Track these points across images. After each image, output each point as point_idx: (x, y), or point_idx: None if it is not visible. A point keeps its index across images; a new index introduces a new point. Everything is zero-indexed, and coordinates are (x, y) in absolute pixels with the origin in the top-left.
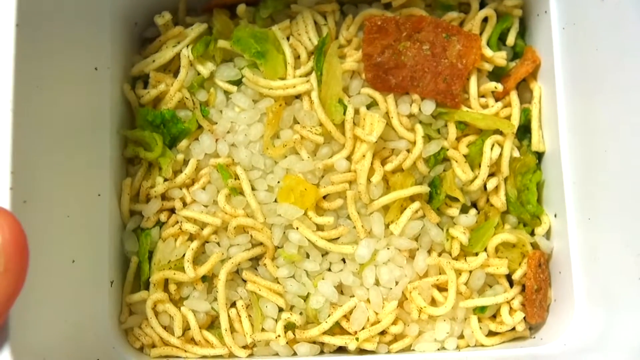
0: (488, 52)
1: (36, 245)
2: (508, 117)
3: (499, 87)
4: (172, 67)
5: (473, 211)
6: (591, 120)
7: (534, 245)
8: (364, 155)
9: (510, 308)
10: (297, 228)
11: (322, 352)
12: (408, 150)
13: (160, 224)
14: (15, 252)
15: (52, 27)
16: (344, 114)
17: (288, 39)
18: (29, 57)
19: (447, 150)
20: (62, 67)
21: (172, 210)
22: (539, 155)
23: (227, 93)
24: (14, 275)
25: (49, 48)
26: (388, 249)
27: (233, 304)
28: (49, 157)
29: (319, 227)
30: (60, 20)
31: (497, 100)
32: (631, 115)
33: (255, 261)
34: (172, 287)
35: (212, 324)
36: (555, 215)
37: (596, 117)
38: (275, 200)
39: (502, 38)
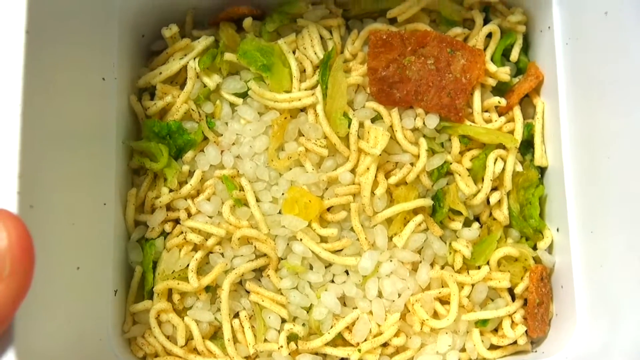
0: (492, 67)
1: (41, 250)
2: (511, 132)
3: (503, 102)
4: (178, 80)
5: (476, 225)
6: (593, 136)
7: (536, 260)
8: (368, 168)
9: (512, 322)
10: (301, 239)
11: None
12: (412, 164)
13: (164, 235)
14: (22, 255)
15: (61, 35)
16: (349, 127)
17: (294, 52)
18: (38, 63)
19: (451, 164)
20: (70, 76)
21: (177, 221)
22: (542, 170)
23: (232, 105)
24: (20, 279)
25: (58, 56)
26: (391, 261)
27: (236, 315)
28: (56, 164)
29: (323, 239)
30: (69, 29)
31: (500, 115)
32: (633, 130)
33: (258, 272)
34: (176, 297)
35: (215, 335)
36: (557, 230)
37: (598, 132)
38: (280, 212)
39: (506, 54)
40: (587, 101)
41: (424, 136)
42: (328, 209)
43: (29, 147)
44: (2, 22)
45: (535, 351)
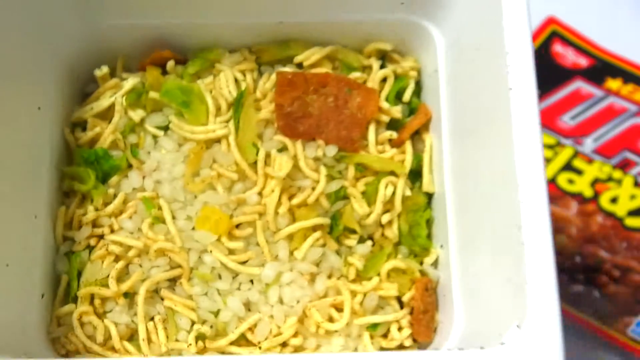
0: (385, 105)
1: None
2: (402, 162)
3: (394, 134)
4: (107, 116)
5: (369, 242)
6: (465, 167)
7: (423, 273)
8: (272, 190)
9: (400, 327)
10: (211, 251)
11: None
12: (313, 188)
13: (90, 248)
14: None
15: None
16: (257, 155)
17: (211, 92)
18: None
19: (347, 188)
20: (6, 102)
21: (101, 237)
22: (430, 196)
23: (155, 137)
24: None
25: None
26: (291, 271)
27: (151, 319)
28: None
29: (231, 252)
30: (12, 64)
31: (394, 147)
32: (488, 162)
33: (173, 282)
34: (97, 302)
35: (131, 337)
36: (441, 246)
37: (468, 164)
38: (193, 228)
39: (400, 96)
40: (460, 135)
41: (324, 164)
42: (237, 226)
43: None
44: None
45: None
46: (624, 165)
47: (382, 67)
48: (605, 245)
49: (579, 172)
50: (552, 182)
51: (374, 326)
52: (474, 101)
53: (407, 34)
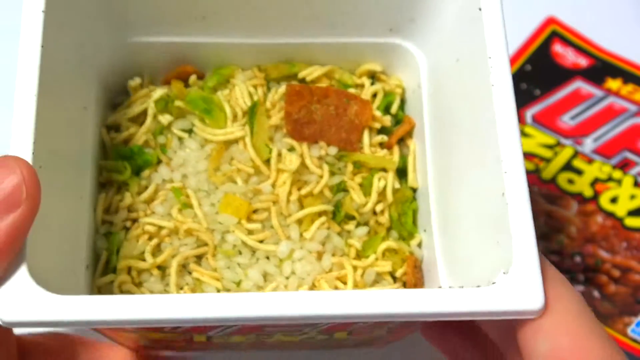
0: (377, 113)
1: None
2: (392, 160)
3: (385, 138)
4: (139, 120)
5: (366, 227)
6: (445, 167)
7: (411, 254)
8: (284, 182)
9: None
10: (233, 231)
11: None
12: (317, 182)
13: (126, 230)
14: (32, 183)
15: (61, 80)
16: (270, 153)
17: (228, 102)
18: (50, 96)
19: (346, 182)
20: (62, 103)
21: (135, 220)
22: (415, 190)
23: (180, 139)
24: (33, 200)
25: (60, 95)
26: (302, 249)
27: (181, 288)
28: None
29: (250, 232)
30: (57, 67)
31: (384, 149)
32: (464, 164)
33: (199, 259)
34: (134, 273)
35: None
36: (425, 231)
37: (448, 164)
38: (217, 213)
39: (388, 109)
40: (441, 140)
41: (327, 162)
42: (254, 212)
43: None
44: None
45: None
46: (624, 165)
47: (372, 84)
48: (605, 245)
49: (579, 172)
50: (552, 182)
51: None
52: (453, 108)
53: (394, 56)
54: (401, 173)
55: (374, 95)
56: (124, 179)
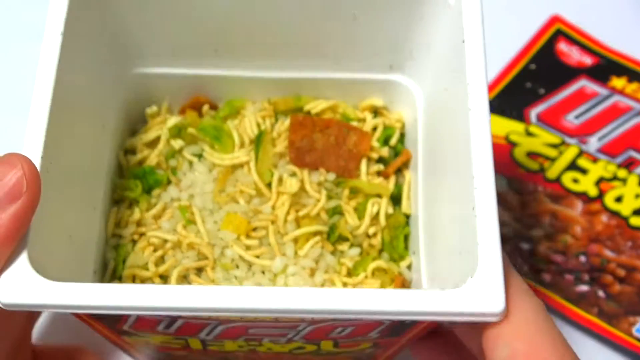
0: (376, 144)
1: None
2: (387, 187)
3: (382, 167)
4: (153, 145)
5: (358, 249)
6: (431, 196)
7: (399, 274)
8: (283, 204)
9: None
10: (232, 246)
11: None
12: (315, 206)
13: (134, 242)
14: (33, 177)
15: (80, 102)
16: (271, 177)
17: (237, 130)
18: (61, 115)
19: (342, 205)
20: (82, 121)
21: (143, 235)
22: (408, 217)
23: (190, 162)
24: (34, 192)
25: (79, 114)
26: (295, 265)
27: None
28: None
29: (247, 247)
30: (80, 94)
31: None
32: (447, 193)
33: (199, 271)
34: (137, 282)
35: None
36: (414, 253)
37: (434, 194)
38: (218, 230)
39: (387, 142)
40: (431, 171)
41: (325, 188)
42: (253, 230)
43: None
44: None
45: None
46: (629, 164)
47: (374, 119)
48: (610, 244)
49: (583, 171)
50: (557, 181)
51: None
52: (442, 135)
53: (394, 92)
54: (397, 200)
55: (375, 129)
56: (134, 196)
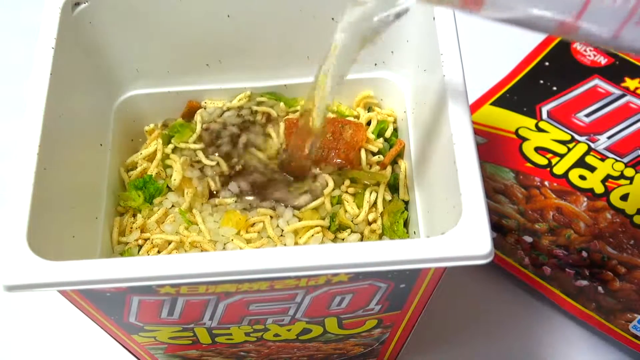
0: (371, 136)
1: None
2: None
3: (381, 158)
4: (152, 158)
5: (359, 235)
6: (425, 181)
7: None
8: None
9: None
10: (232, 240)
11: None
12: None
13: (138, 248)
14: None
15: (77, 119)
16: None
17: None
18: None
19: (342, 195)
20: (80, 140)
21: (146, 240)
22: (407, 202)
23: None
24: None
25: (75, 133)
26: None
27: None
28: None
29: (247, 241)
30: (83, 118)
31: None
32: (440, 177)
33: None
34: None
35: None
36: (414, 232)
37: (428, 179)
38: (219, 228)
39: (382, 135)
40: (422, 156)
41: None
42: (252, 225)
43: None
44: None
45: None
46: (637, 164)
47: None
48: (613, 242)
49: (591, 168)
50: (564, 177)
51: None
52: (427, 118)
53: (383, 89)
54: (394, 189)
55: (369, 123)
56: (136, 206)
